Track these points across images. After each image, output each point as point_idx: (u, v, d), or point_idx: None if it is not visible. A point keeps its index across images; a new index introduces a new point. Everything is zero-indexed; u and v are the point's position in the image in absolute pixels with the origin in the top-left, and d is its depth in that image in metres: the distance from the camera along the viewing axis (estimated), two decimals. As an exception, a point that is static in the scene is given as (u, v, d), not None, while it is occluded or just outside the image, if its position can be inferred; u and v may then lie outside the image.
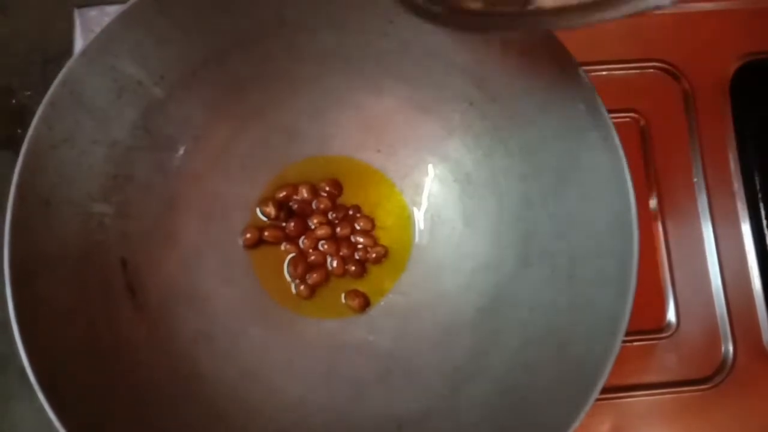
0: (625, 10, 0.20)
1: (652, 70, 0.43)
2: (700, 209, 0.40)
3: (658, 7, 0.19)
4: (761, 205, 0.40)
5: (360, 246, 0.38)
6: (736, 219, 0.40)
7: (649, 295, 0.39)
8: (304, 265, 0.37)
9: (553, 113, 0.32)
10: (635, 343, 0.38)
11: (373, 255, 0.38)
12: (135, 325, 0.33)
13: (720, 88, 0.42)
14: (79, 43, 0.41)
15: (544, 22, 0.23)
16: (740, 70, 0.43)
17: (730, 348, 0.38)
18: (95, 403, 0.29)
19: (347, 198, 0.39)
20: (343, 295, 0.37)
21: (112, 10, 0.36)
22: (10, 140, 0.44)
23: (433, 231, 0.38)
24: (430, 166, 0.38)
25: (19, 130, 0.31)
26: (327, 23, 0.34)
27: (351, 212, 0.38)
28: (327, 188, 0.38)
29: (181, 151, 0.36)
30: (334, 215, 0.38)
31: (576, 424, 0.27)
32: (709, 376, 0.38)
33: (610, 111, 0.29)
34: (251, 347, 0.36)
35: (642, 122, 0.42)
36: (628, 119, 0.42)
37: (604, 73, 0.43)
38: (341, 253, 0.38)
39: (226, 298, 0.36)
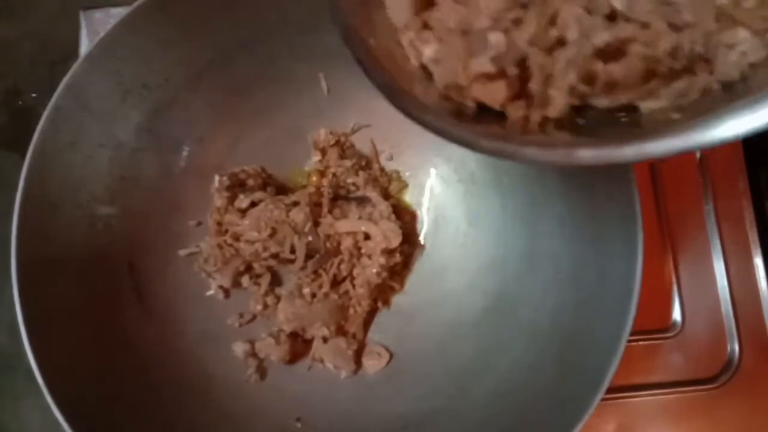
0: None
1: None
2: (705, 208, 0.40)
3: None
4: (766, 203, 0.40)
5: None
6: (741, 218, 0.40)
7: (655, 294, 0.39)
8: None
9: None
10: (640, 343, 0.38)
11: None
12: (142, 326, 0.33)
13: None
14: (84, 44, 0.42)
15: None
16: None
17: (736, 347, 0.38)
18: (102, 403, 0.30)
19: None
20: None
21: (117, 12, 0.36)
22: (16, 141, 0.44)
23: (437, 231, 0.38)
24: (434, 167, 0.38)
25: (24, 132, 0.31)
26: (331, 23, 0.34)
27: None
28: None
29: (186, 153, 0.36)
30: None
31: (581, 424, 0.27)
32: (714, 376, 0.38)
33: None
34: (257, 347, 0.36)
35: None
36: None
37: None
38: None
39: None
